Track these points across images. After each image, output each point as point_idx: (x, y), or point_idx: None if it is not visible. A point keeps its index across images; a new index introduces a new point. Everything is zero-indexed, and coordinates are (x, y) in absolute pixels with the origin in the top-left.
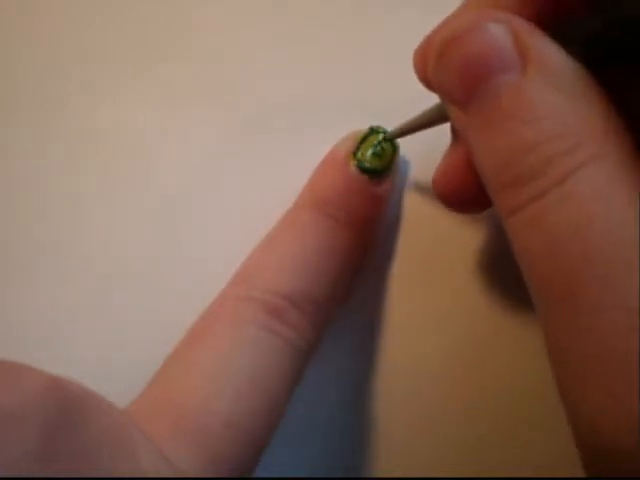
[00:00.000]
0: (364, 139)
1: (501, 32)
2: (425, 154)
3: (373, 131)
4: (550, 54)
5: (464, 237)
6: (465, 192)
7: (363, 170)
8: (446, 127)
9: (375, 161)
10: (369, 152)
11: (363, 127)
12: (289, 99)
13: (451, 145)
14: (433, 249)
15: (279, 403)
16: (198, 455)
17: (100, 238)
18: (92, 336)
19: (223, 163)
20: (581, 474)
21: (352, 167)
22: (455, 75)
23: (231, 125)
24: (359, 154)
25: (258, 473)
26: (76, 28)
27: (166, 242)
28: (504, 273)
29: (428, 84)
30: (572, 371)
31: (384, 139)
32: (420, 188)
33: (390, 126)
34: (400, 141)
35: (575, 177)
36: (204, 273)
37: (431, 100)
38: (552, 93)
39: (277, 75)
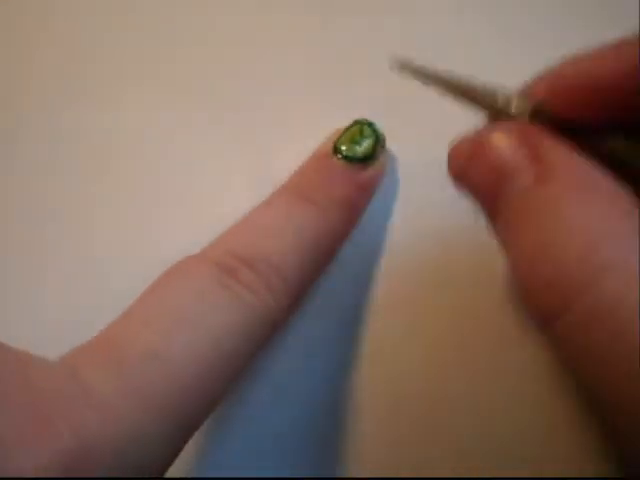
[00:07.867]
0: (347, 130)
1: (511, 144)
2: (423, 153)
3: (357, 123)
4: (563, 159)
5: (455, 235)
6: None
7: (343, 157)
8: (443, 127)
9: (354, 148)
10: (348, 139)
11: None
12: (284, 99)
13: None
14: (423, 247)
15: (226, 351)
16: (111, 379)
17: (102, 238)
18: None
19: (221, 164)
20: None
21: (332, 155)
22: (478, 185)
23: (228, 125)
24: (339, 142)
25: (252, 474)
26: (78, 29)
27: (165, 242)
28: (495, 271)
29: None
30: None
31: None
32: (413, 188)
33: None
34: (396, 142)
35: (597, 287)
36: None
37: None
38: (567, 198)
39: (273, 75)
